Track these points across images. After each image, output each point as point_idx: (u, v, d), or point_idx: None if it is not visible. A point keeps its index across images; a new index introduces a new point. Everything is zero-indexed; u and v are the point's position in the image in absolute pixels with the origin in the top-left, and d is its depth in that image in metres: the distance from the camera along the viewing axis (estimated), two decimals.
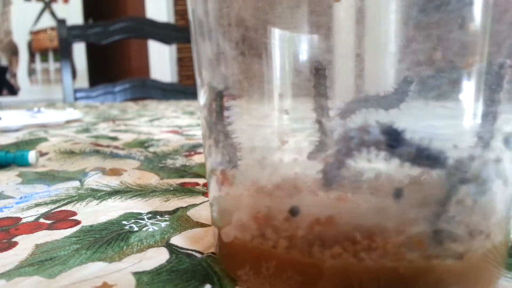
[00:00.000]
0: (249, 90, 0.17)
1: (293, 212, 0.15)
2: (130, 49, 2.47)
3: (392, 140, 0.13)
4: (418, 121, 0.14)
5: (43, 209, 0.26)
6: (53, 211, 0.26)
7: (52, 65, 2.70)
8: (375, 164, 0.14)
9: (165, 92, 1.33)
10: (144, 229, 0.22)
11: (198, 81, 0.18)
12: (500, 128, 0.15)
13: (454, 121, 0.15)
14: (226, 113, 0.17)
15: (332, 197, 0.14)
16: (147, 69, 2.44)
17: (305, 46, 0.15)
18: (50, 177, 0.34)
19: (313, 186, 0.15)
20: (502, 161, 0.15)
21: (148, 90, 1.31)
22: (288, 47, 0.15)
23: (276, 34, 0.15)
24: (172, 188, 0.30)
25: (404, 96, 0.15)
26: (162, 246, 0.20)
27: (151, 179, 0.33)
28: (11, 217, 0.25)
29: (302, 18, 0.15)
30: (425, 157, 0.13)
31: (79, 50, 2.61)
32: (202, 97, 0.18)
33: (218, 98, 0.17)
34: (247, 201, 0.17)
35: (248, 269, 0.16)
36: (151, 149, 0.46)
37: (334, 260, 0.14)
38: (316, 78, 0.16)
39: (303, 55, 0.15)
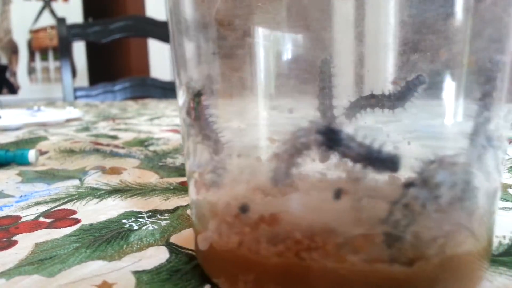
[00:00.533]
0: (226, 91, 0.17)
1: (243, 209, 0.15)
2: (130, 47, 2.47)
3: (329, 140, 0.13)
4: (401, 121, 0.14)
5: (43, 208, 0.26)
6: (53, 209, 0.26)
7: (52, 63, 2.70)
8: (319, 164, 0.14)
9: (165, 90, 1.32)
10: (144, 227, 0.22)
11: (177, 81, 0.18)
12: (465, 128, 0.15)
13: (434, 120, 0.15)
14: (203, 114, 0.17)
15: (277, 195, 0.14)
16: (147, 67, 2.44)
17: (286, 45, 0.15)
18: (50, 176, 0.34)
19: (264, 185, 0.15)
20: (480, 159, 0.14)
21: (148, 88, 1.31)
22: (270, 46, 0.15)
23: (257, 33, 0.15)
24: (172, 187, 0.30)
25: (410, 95, 0.15)
26: (162, 245, 0.20)
27: (151, 177, 0.33)
28: (11, 216, 0.25)
29: (282, 16, 0.15)
30: (365, 157, 0.13)
31: (79, 49, 2.61)
32: (181, 97, 0.18)
33: (196, 99, 0.17)
34: (223, 207, 0.16)
35: (223, 279, 0.16)
36: (151, 148, 0.46)
37: (278, 259, 0.14)
38: (322, 76, 0.16)
39: (285, 54, 0.15)
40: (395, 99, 0.15)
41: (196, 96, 0.16)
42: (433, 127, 0.15)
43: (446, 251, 0.13)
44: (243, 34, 0.15)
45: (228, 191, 0.16)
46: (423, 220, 0.13)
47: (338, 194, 0.14)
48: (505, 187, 0.27)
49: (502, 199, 0.25)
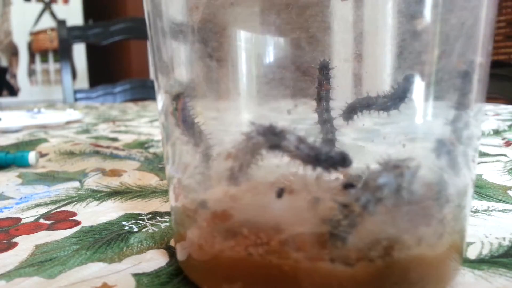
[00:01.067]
0: (204, 95, 0.17)
1: (201, 205, 0.16)
2: (130, 49, 2.47)
3: (271, 140, 0.13)
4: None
5: (43, 210, 0.26)
6: (53, 211, 0.26)
7: (52, 65, 2.70)
8: (270, 163, 0.14)
9: None
10: (144, 230, 0.22)
11: (156, 86, 0.18)
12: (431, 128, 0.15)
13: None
14: (181, 119, 0.17)
15: (229, 192, 0.15)
16: (147, 69, 2.44)
17: (266, 48, 0.15)
18: (50, 178, 0.34)
19: (223, 182, 0.15)
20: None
21: (148, 90, 1.31)
22: (250, 49, 0.15)
23: (240, 36, 0.15)
24: None
25: (404, 95, 0.15)
26: (162, 248, 0.20)
27: (151, 180, 0.33)
28: (11, 218, 0.25)
29: (256, 19, 0.15)
30: (307, 157, 0.13)
31: (79, 51, 2.61)
32: (159, 102, 0.18)
33: (174, 104, 0.17)
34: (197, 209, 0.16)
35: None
36: (151, 150, 0.46)
37: (230, 253, 0.14)
38: (320, 79, 0.16)
39: (266, 57, 0.15)
40: (390, 100, 0.16)
41: (174, 101, 0.17)
42: (403, 127, 0.16)
43: (392, 254, 0.13)
44: (220, 38, 0.15)
45: (207, 195, 0.17)
46: (365, 222, 0.13)
47: (280, 193, 0.14)
48: (505, 189, 0.27)
49: (502, 201, 0.25)
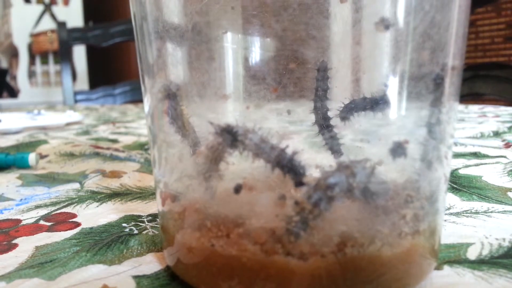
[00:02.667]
0: (189, 97, 0.17)
1: (173, 199, 0.17)
2: (130, 51, 2.47)
3: (228, 140, 0.14)
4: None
5: (43, 211, 0.26)
6: (53, 213, 0.26)
7: (52, 67, 2.70)
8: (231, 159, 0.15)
9: None
10: (144, 232, 0.22)
11: (142, 88, 0.18)
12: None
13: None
14: (167, 122, 0.17)
15: (199, 187, 0.16)
16: None
17: (251, 48, 0.15)
18: (50, 179, 0.34)
19: (198, 177, 0.16)
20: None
21: None
22: (237, 50, 0.15)
23: (227, 37, 0.15)
24: None
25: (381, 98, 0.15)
26: (162, 251, 0.20)
27: (151, 181, 0.33)
28: (11, 219, 0.25)
29: (237, 19, 0.15)
30: (267, 157, 0.14)
31: (79, 53, 2.61)
32: (146, 105, 0.18)
33: (160, 106, 0.17)
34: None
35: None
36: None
37: (197, 244, 0.15)
38: (319, 79, 0.16)
39: (251, 58, 0.15)
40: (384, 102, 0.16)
41: (160, 103, 0.17)
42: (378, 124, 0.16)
43: (345, 251, 0.14)
44: (204, 39, 0.15)
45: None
46: (317, 219, 0.13)
47: (237, 189, 0.15)
48: (505, 190, 0.27)
49: (502, 202, 0.25)
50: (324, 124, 0.17)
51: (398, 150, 0.15)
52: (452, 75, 0.16)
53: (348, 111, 0.17)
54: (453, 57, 0.15)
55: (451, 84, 0.16)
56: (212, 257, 0.15)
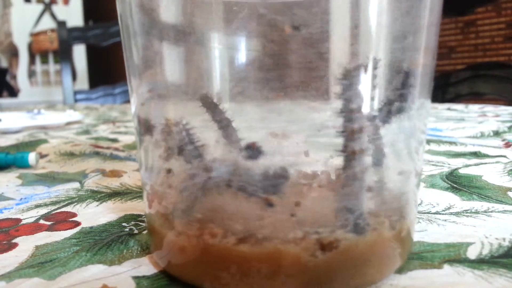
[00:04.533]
0: (173, 97, 0.17)
1: (160, 200, 0.18)
2: None
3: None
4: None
5: (43, 211, 0.26)
6: (53, 212, 0.26)
7: (52, 66, 2.70)
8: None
9: None
10: (144, 232, 0.22)
11: (129, 89, 0.18)
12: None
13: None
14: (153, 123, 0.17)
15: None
16: None
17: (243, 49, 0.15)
18: (50, 179, 0.34)
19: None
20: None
21: None
22: (223, 51, 0.15)
23: (215, 39, 0.15)
24: None
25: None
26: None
27: None
28: (11, 219, 0.25)
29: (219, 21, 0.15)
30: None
31: (79, 52, 2.61)
32: (132, 105, 0.18)
33: (144, 108, 0.17)
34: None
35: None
36: None
37: (188, 241, 0.16)
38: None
39: (236, 59, 0.15)
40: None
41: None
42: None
43: (303, 244, 0.14)
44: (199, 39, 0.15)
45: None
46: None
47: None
48: (505, 190, 0.27)
49: (502, 202, 0.25)
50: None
51: (248, 151, 0.15)
52: (423, 73, 0.16)
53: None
54: (424, 54, 0.16)
55: (422, 81, 0.16)
56: (205, 252, 0.15)
